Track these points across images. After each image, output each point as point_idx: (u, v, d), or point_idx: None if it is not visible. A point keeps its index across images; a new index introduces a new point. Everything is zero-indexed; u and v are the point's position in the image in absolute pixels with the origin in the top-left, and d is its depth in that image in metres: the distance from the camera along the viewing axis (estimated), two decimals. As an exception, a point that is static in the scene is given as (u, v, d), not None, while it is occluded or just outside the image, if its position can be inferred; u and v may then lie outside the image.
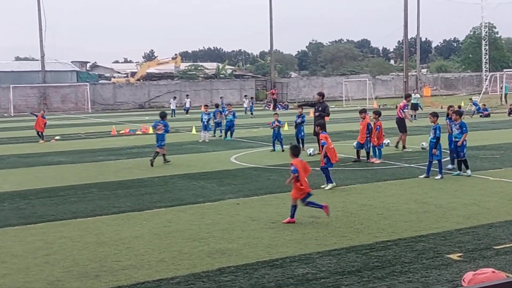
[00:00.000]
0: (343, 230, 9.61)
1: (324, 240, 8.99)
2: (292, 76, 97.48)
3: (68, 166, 18.64)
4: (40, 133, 27.65)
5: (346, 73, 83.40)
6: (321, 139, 13.82)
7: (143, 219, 10.80)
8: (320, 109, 19.44)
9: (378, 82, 75.66)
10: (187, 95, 52.44)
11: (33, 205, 12.31)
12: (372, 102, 55.36)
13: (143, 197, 12.95)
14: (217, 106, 28.68)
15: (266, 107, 57.41)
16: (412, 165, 16.76)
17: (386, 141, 20.63)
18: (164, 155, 18.49)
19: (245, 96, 54.45)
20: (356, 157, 17.70)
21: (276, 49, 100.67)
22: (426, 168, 14.82)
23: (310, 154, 19.01)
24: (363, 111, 17.90)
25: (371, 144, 17.66)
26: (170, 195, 13.15)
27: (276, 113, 22.08)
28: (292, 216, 10.16)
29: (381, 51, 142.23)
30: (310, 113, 38.73)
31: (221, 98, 56.59)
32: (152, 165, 17.57)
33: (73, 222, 10.69)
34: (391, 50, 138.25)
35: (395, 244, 8.68)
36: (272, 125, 21.24)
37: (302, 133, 20.76)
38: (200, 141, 25.44)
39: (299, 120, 21.21)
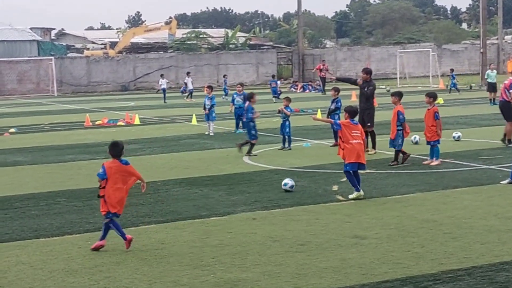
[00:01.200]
0: (397, 255, 9.60)
1: (371, 269, 8.99)
2: (327, 45, 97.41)
3: (27, 168, 18.82)
4: None
5: (402, 42, 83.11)
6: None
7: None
8: (366, 89, 19.48)
9: (445, 54, 75.31)
10: (188, 73, 52.52)
11: (-19, 221, 12.45)
12: (438, 81, 55.11)
13: (126, 210, 12.90)
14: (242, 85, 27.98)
15: (293, 88, 57.49)
16: (491, 167, 16.65)
17: (414, 136, 20.72)
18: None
19: (273, 76, 54.14)
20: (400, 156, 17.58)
21: (305, 10, 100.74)
22: (511, 171, 14.73)
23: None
24: (431, 95, 17.71)
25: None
26: (163, 207, 13.22)
27: (286, 97, 22.04)
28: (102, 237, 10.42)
29: (449, 12, 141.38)
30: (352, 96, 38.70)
31: (224, 76, 56.67)
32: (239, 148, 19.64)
33: (33, 243, 10.78)
34: (463, 10, 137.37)
35: (468, 274, 8.65)
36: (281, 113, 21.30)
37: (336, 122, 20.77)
38: (207, 133, 25.55)
39: (333, 106, 21.19)
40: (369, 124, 19.11)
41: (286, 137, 20.98)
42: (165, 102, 45.42)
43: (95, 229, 11.56)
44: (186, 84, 50.72)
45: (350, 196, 13.43)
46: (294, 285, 8.44)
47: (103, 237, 10.33)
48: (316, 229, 11.12)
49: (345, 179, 14.81)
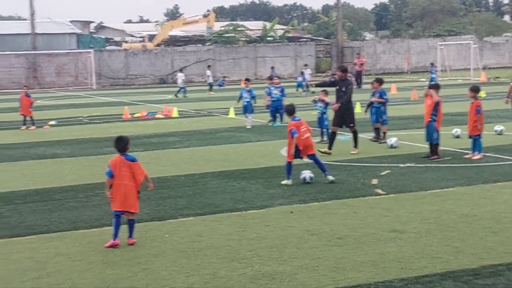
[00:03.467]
0: (437, 249, 9.55)
1: (410, 263, 8.96)
2: (366, 38, 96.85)
3: (66, 161, 19.06)
4: (29, 118, 27.97)
5: (442, 34, 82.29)
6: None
7: (165, 231, 10.98)
8: (344, 89, 18.74)
9: (486, 46, 74.37)
10: (208, 66, 52.70)
11: (20, 212, 12.66)
12: (479, 74, 54.46)
13: (165, 202, 13.15)
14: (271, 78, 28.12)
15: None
16: (533, 161, 16.44)
17: (455, 130, 20.34)
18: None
19: (305, 65, 54.04)
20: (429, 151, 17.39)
21: (344, 2, 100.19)
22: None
23: (391, 146, 19.04)
24: (474, 89, 17.45)
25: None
26: (201, 199, 13.31)
27: (324, 90, 21.89)
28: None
29: (491, 4, 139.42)
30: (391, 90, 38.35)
31: (272, 68, 56.59)
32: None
33: (72, 235, 10.95)
34: (506, 2, 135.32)
35: (509, 269, 8.58)
36: (316, 102, 21.30)
37: (377, 117, 20.65)
38: (248, 126, 25.57)
39: (373, 99, 21.07)
40: (351, 124, 18.58)
41: (324, 130, 20.92)
42: (184, 96, 45.09)
43: (133, 221, 11.68)
44: (208, 77, 50.42)
45: (282, 182, 14.33)
46: (332, 278, 8.45)
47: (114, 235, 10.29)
48: (354, 223, 11.11)
49: (384, 172, 14.82)
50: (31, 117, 28.02)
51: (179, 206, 12.81)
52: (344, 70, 19.17)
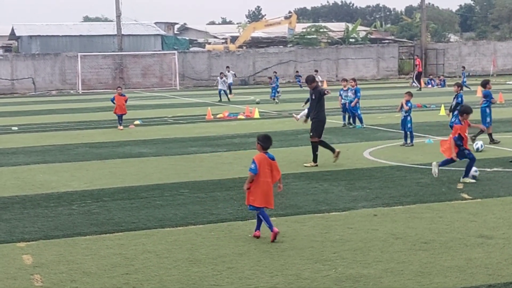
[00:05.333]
0: (526, 256, 9.32)
1: (498, 269, 8.78)
2: (451, 40, 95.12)
3: (152, 160, 19.40)
4: (121, 116, 28.35)
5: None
6: None
7: (248, 231, 11.05)
8: (313, 97, 17.87)
9: None
10: (227, 67, 52.19)
11: (109, 209, 12.97)
12: None
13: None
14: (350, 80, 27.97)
15: (414, 84, 56.48)
16: None
17: (477, 143, 19.19)
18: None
19: (316, 71, 52.32)
20: None
21: (428, 3, 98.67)
22: None
23: (477, 149, 18.60)
24: None
25: None
26: (283, 200, 13.33)
27: (408, 92, 21.64)
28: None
29: None
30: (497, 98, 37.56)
31: (274, 73, 54.88)
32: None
33: (159, 233, 11.14)
34: None
35: None
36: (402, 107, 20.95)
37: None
38: None
39: (454, 103, 20.73)
40: (311, 134, 17.72)
41: (408, 133, 20.67)
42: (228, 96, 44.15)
43: (218, 220, 11.84)
44: (227, 78, 48.03)
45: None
46: (418, 283, 8.34)
47: (257, 228, 10.68)
48: (440, 227, 10.93)
49: (469, 180, 14.56)
50: (123, 114, 28.38)
51: (262, 206, 12.86)
52: (310, 81, 18.17)
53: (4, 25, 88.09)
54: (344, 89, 26.67)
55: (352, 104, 25.99)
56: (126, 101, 28.57)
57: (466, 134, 14.84)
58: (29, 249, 10.30)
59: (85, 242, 10.65)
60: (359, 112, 26.19)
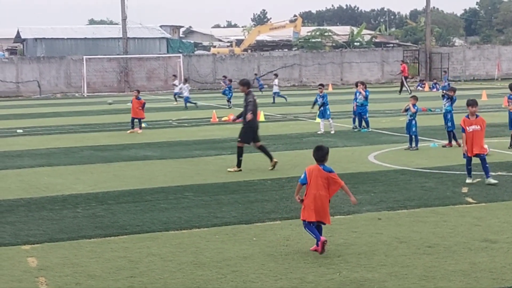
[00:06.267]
0: (531, 260, 9.31)
1: (503, 274, 8.78)
2: (456, 44, 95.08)
3: (157, 163, 19.42)
4: (139, 120, 28.27)
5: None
6: None
7: (253, 234, 11.06)
8: (246, 105, 17.71)
9: None
10: (224, 77, 51.14)
11: (113, 212, 12.99)
12: None
13: (252, 206, 13.25)
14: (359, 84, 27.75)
15: (419, 87, 56.47)
16: None
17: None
18: None
19: (275, 75, 50.29)
20: None
21: (433, 7, 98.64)
22: None
23: None
24: None
25: None
26: (288, 203, 13.34)
27: (413, 96, 21.70)
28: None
29: None
30: (504, 102, 37.56)
31: (255, 75, 53.16)
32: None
33: (163, 236, 11.16)
34: None
35: None
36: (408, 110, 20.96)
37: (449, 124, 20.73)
38: (319, 132, 25.40)
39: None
40: (239, 139, 17.70)
41: (413, 136, 20.66)
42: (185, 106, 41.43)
43: (222, 223, 11.85)
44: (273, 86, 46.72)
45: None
46: (422, 287, 8.35)
47: (317, 239, 9.99)
48: (444, 231, 10.93)
49: (475, 180, 14.56)
50: (141, 118, 28.30)
51: (266, 209, 12.88)
52: (244, 84, 17.98)
53: (9, 28, 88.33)
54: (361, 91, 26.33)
55: (354, 105, 25.93)
56: (143, 105, 28.27)
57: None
58: (34, 252, 10.33)
59: (90, 245, 10.67)
60: (367, 115, 26.20)
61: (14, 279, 9.11)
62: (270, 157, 17.76)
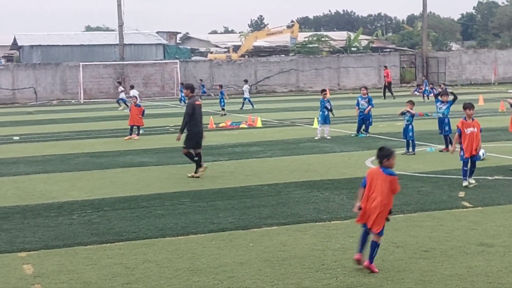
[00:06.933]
0: (527, 264, 9.33)
1: (499, 277, 8.80)
2: (452, 48, 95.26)
3: (153, 169, 19.43)
4: (137, 128, 28.20)
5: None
6: None
7: (249, 240, 11.07)
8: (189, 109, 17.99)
9: None
10: (245, 80, 50.79)
11: (109, 219, 12.98)
12: None
13: (249, 211, 13.26)
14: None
15: (416, 92, 56.54)
16: None
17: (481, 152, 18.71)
18: None
19: (245, 81, 50.78)
20: None
21: (430, 12, 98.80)
22: None
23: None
24: None
25: None
26: (285, 209, 13.35)
27: (410, 101, 21.75)
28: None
29: None
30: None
31: (200, 80, 52.61)
32: None
33: (160, 242, 11.16)
34: None
35: None
36: (404, 114, 21.04)
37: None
38: (316, 138, 25.43)
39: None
40: (183, 145, 17.83)
41: (410, 141, 20.70)
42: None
43: (219, 229, 11.85)
44: (243, 92, 47.38)
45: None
46: (418, 291, 8.36)
47: (360, 250, 9.50)
48: (440, 235, 10.95)
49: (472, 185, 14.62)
50: (140, 126, 28.32)
51: (263, 215, 12.89)
52: (188, 87, 18.26)
53: (6, 34, 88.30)
54: (364, 96, 26.38)
55: (366, 111, 25.91)
56: (142, 112, 28.26)
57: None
58: (30, 259, 10.33)
59: (85, 252, 10.67)
60: (371, 120, 26.29)
61: (10, 286, 9.12)
62: (198, 166, 17.62)
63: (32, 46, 71.97)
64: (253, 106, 44.40)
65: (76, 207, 14.18)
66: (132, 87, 43.66)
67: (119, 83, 53.16)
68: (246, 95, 45.99)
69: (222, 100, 40.75)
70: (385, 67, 58.09)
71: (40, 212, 13.72)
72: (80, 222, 12.75)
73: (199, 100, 18.87)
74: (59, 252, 10.71)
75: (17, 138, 29.10)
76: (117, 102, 48.08)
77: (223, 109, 40.03)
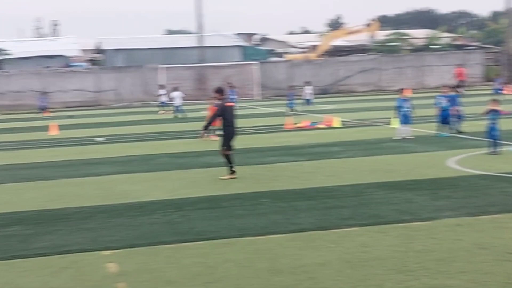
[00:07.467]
0: None
1: None
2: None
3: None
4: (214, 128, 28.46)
5: None
6: None
7: (330, 241, 11.04)
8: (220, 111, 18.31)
9: None
10: (307, 82, 50.34)
11: (190, 219, 13.16)
12: None
13: (329, 212, 13.22)
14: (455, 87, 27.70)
15: (498, 91, 55.17)
16: None
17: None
18: None
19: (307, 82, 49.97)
20: None
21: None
22: None
23: None
24: None
25: None
26: (366, 210, 13.27)
27: (494, 99, 21.22)
28: None
29: None
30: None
31: (229, 83, 51.73)
32: None
33: (240, 242, 11.25)
34: None
35: None
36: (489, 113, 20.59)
37: None
38: (396, 138, 25.13)
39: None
40: (224, 147, 18.14)
41: (494, 141, 20.24)
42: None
43: (299, 229, 11.86)
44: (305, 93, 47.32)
45: None
46: (504, 295, 8.18)
47: None
48: (528, 237, 10.69)
49: None
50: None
51: (343, 216, 12.83)
52: (218, 91, 18.44)
53: (91, 39, 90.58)
54: (445, 95, 26.10)
55: (451, 111, 25.66)
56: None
57: None
58: (114, 258, 10.56)
59: (167, 251, 10.84)
60: (458, 118, 25.97)
61: (95, 284, 9.35)
62: (231, 168, 17.99)
63: (115, 50, 73.61)
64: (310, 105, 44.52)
65: (158, 207, 14.43)
66: (175, 89, 44.11)
67: (161, 86, 52.48)
68: (309, 97, 46.10)
69: (291, 101, 41.68)
70: (459, 65, 56.93)
71: (122, 212, 14.02)
72: (161, 222, 12.97)
73: (231, 102, 19.08)
74: (142, 251, 10.92)
75: (102, 139, 29.77)
76: (160, 105, 47.70)
77: (291, 110, 40.35)
